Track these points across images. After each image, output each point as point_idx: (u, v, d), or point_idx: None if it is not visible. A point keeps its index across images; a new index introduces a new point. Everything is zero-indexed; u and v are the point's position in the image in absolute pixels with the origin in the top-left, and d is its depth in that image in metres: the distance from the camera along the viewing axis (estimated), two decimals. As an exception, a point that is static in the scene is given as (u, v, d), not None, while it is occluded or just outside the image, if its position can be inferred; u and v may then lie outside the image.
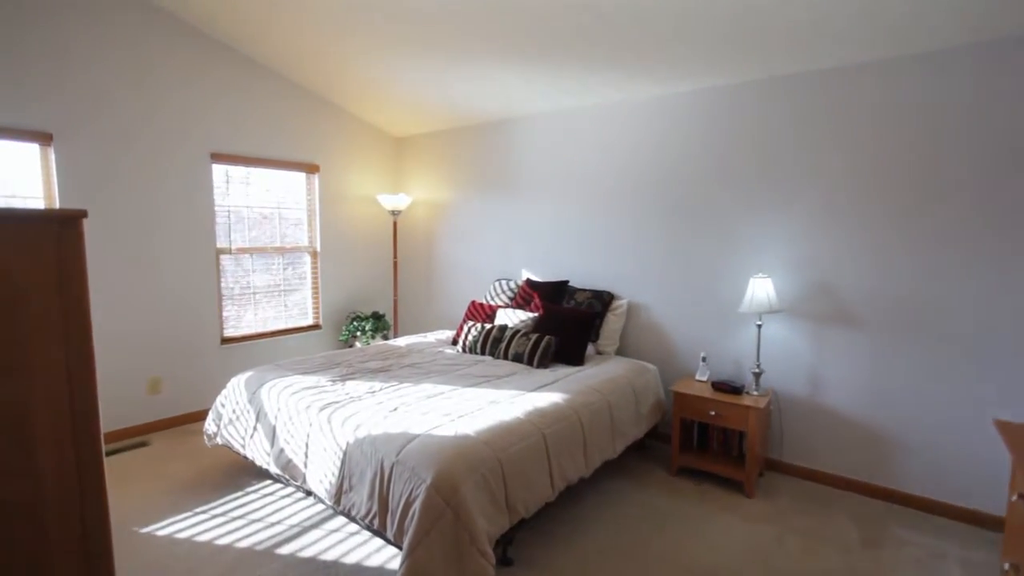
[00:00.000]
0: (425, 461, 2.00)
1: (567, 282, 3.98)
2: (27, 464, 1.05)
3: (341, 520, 2.57)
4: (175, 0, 3.41)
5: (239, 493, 2.84)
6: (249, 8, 3.31)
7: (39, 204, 3.22)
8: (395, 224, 5.08)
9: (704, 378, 3.26)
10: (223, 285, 4.11)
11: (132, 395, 3.60)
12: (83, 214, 1.06)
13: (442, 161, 4.94)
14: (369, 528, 2.43)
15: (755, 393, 3.01)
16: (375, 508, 2.08)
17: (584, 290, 3.84)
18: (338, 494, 2.26)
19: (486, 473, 2.04)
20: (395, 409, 2.48)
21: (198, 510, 2.68)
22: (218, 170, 4.00)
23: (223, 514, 2.65)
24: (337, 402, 2.57)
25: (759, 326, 3.04)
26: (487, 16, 2.91)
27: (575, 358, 3.39)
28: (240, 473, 3.03)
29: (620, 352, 3.75)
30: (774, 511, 2.75)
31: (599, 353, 3.66)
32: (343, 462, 2.26)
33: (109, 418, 3.49)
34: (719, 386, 3.08)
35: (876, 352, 2.84)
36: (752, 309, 2.97)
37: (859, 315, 2.88)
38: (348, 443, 2.26)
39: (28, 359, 1.04)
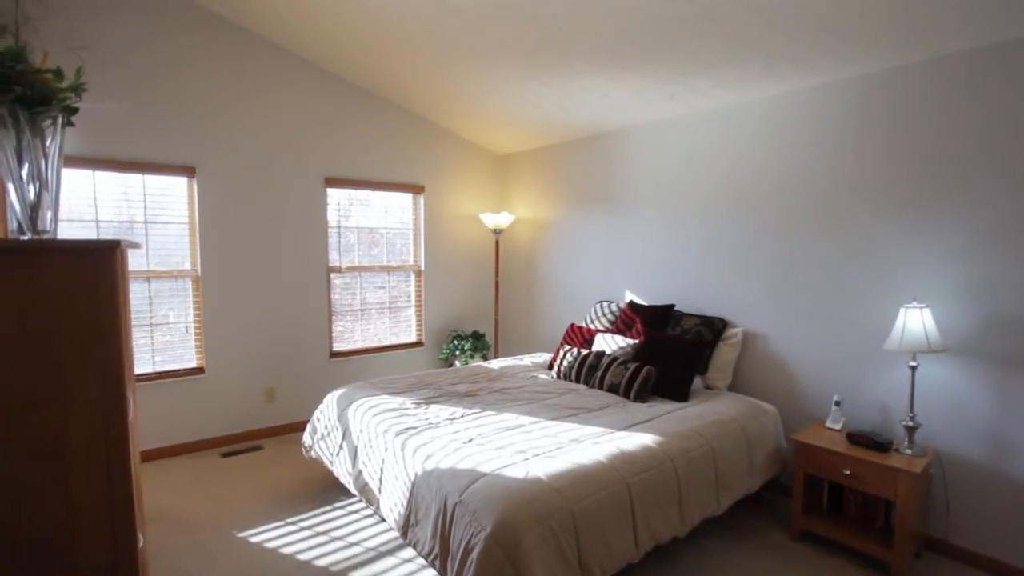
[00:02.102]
0: (487, 506, 1.83)
1: (673, 306, 3.61)
2: (61, 490, 1.07)
3: (412, 551, 2.49)
4: (296, 40, 3.70)
5: (327, 508, 2.90)
6: (357, 44, 3.48)
7: (185, 228, 3.64)
8: (497, 243, 5.05)
9: (837, 426, 2.71)
10: (333, 302, 4.35)
11: (251, 402, 3.91)
12: (116, 244, 1.07)
13: (544, 178, 4.82)
14: (433, 567, 2.31)
15: (908, 452, 2.42)
16: (437, 548, 1.96)
17: (692, 316, 3.44)
18: (406, 526, 2.18)
19: (555, 526, 1.82)
20: (470, 440, 2.35)
21: (290, 520, 2.78)
22: (331, 193, 4.26)
23: (310, 527, 2.71)
24: (414, 428, 2.50)
25: (913, 368, 2.45)
26: (583, 26, 2.74)
27: (678, 393, 3.02)
28: (331, 487, 3.10)
29: (733, 388, 3.28)
30: (934, 608, 2.15)
31: (708, 388, 3.23)
32: (411, 493, 2.17)
33: (231, 422, 3.82)
34: (858, 439, 2.53)
35: (1092, 412, 2.13)
36: (903, 346, 2.40)
37: (1064, 361, 2.19)
38: (416, 474, 2.17)
39: (65, 389, 1.06)
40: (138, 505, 2.02)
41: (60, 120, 1.44)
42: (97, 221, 3.37)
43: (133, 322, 3.50)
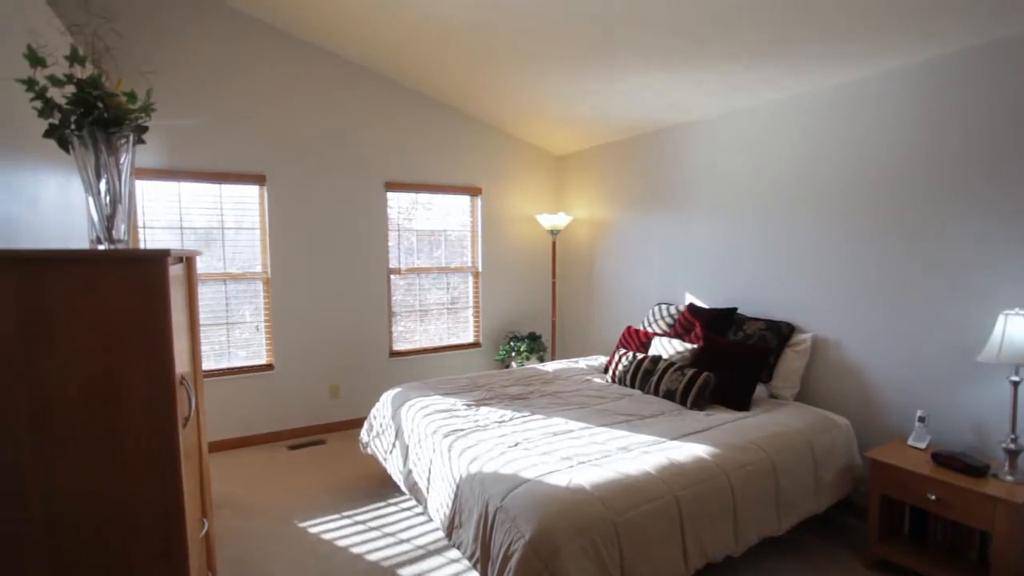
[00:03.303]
0: (528, 513, 1.81)
1: (735, 310, 3.42)
2: (119, 480, 1.16)
3: (458, 552, 2.51)
4: (358, 49, 3.85)
5: (381, 503, 3.00)
6: (417, 51, 3.57)
7: (257, 233, 3.89)
8: (554, 244, 5.01)
9: (921, 445, 2.46)
10: (394, 302, 4.48)
11: (316, 398, 4.11)
12: (166, 254, 1.14)
13: (602, 177, 4.73)
14: (475, 570, 2.32)
15: (1009, 479, 2.15)
16: (478, 552, 1.96)
17: (756, 320, 3.25)
18: (451, 527, 2.20)
19: (596, 537, 1.76)
20: (516, 445, 2.34)
21: (346, 513, 2.89)
22: (391, 197, 4.39)
23: (364, 522, 2.80)
24: (462, 430, 2.53)
25: (1015, 383, 2.18)
26: (640, 17, 2.65)
27: (738, 401, 2.86)
28: (386, 483, 3.19)
29: (801, 398, 3.06)
30: (1036, 656, 1.90)
31: (772, 397, 3.04)
32: (456, 495, 2.19)
33: (298, 417, 4.04)
34: (946, 460, 2.27)
35: None
36: (1003, 358, 2.13)
37: None
38: (461, 476, 2.19)
39: (120, 388, 1.14)
40: (206, 493, 2.17)
41: (132, 138, 1.57)
42: (182, 228, 3.67)
43: (211, 321, 3.78)
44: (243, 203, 3.84)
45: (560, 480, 1.97)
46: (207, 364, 3.77)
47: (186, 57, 3.50)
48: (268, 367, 3.93)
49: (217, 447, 3.72)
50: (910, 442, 2.50)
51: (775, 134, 3.25)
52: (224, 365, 3.83)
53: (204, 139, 3.60)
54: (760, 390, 3.07)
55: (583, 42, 3.01)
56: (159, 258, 1.14)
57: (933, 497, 2.21)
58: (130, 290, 1.13)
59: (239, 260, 3.86)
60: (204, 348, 3.76)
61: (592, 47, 3.05)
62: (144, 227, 3.53)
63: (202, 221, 3.73)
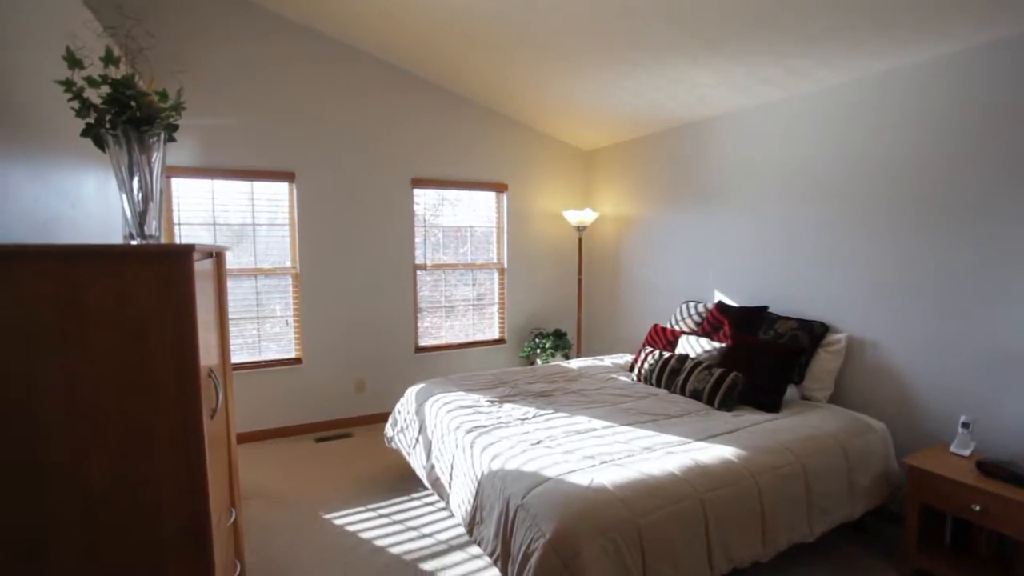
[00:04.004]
0: (548, 512, 1.79)
1: (766, 308, 3.33)
2: (151, 465, 1.19)
3: (479, 548, 2.51)
4: (383, 46, 3.88)
5: (405, 497, 3.02)
6: (444, 47, 3.58)
7: (286, 229, 3.97)
8: (580, 240, 4.96)
9: (965, 452, 2.34)
10: (420, 298, 4.51)
11: (344, 392, 4.17)
12: (191, 249, 1.16)
13: (630, 173, 4.66)
14: (496, 567, 2.32)
15: (1058, 488, 2.03)
16: (499, 549, 1.95)
17: (788, 319, 3.15)
18: (472, 523, 2.20)
19: (618, 538, 1.74)
20: (538, 442, 2.32)
21: (370, 506, 2.93)
22: (418, 193, 4.42)
23: (388, 515, 2.83)
24: (484, 427, 2.52)
25: (1067, 388, 2.05)
26: (669, 9, 2.59)
27: (768, 403, 2.78)
28: (410, 478, 3.22)
29: (834, 400, 2.96)
30: None
31: (804, 398, 2.95)
32: (477, 492, 2.19)
33: (325, 410, 4.11)
34: (992, 469, 2.16)
35: None
36: (1053, 363, 2.01)
37: None
38: (483, 473, 2.19)
39: (149, 380, 1.17)
40: (234, 482, 2.22)
41: (163, 137, 1.61)
42: (215, 224, 3.77)
43: (243, 315, 3.88)
44: (274, 200, 3.92)
45: (582, 479, 1.95)
46: (239, 357, 3.87)
47: (217, 57, 3.58)
48: (297, 361, 4.01)
49: (248, 438, 3.82)
50: (952, 449, 2.38)
51: (808, 127, 3.14)
52: (255, 358, 3.93)
53: (236, 137, 3.69)
54: (791, 391, 2.98)
55: (612, 36, 2.97)
56: (185, 253, 1.17)
57: (978, 508, 2.10)
58: (157, 284, 1.16)
59: (270, 256, 3.95)
60: (236, 341, 3.86)
61: (621, 41, 3.00)
62: (179, 224, 3.64)
63: (235, 218, 3.83)
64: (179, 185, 3.62)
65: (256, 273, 3.90)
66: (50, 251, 1.14)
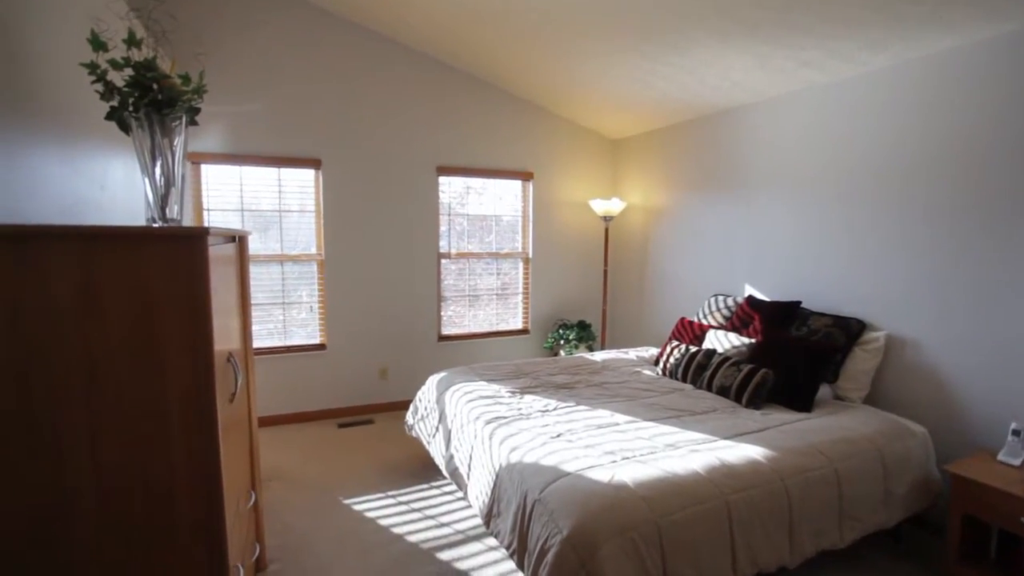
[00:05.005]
0: (566, 508, 1.75)
1: (799, 304, 3.19)
2: (166, 451, 1.19)
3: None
4: (409, 31, 3.83)
5: (424, 485, 3.02)
6: (470, 33, 3.52)
7: (312, 216, 3.99)
8: (607, 231, 4.86)
9: (1015, 461, 2.20)
10: (444, 287, 4.50)
11: (366, 379, 4.20)
12: (206, 232, 1.15)
13: (659, 162, 4.53)
14: (512, 560, 2.29)
15: (1117, 502, 1.89)
16: (515, 544, 1.92)
17: (822, 315, 3.02)
18: (489, 515, 2.17)
19: (637, 538, 1.68)
20: (558, 436, 2.28)
21: (390, 493, 2.94)
22: (443, 181, 4.39)
23: (407, 503, 2.84)
24: (504, 418, 2.49)
25: None
26: (695, -12, 2.48)
27: (799, 401, 2.67)
28: (429, 466, 3.22)
29: (870, 401, 2.82)
30: None
31: (837, 398, 2.82)
32: (495, 484, 2.16)
33: (348, 396, 4.15)
34: (1041, 479, 2.03)
35: None
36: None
37: None
38: (501, 465, 2.16)
39: (164, 364, 1.17)
40: (255, 466, 2.24)
41: (185, 120, 1.60)
42: (242, 211, 3.81)
43: (269, 300, 3.93)
44: (300, 187, 3.94)
45: (602, 476, 1.90)
46: (266, 342, 3.92)
47: (241, 41, 3.59)
48: (321, 347, 4.05)
49: (273, 421, 3.88)
50: (1001, 457, 2.24)
51: (849, 114, 2.98)
52: (281, 343, 3.98)
53: (263, 124, 3.71)
54: (824, 391, 2.86)
55: (641, 18, 2.86)
56: (199, 236, 1.15)
57: (1025, 520, 1.97)
58: (171, 268, 1.15)
59: (297, 242, 3.98)
60: (264, 327, 3.91)
61: (651, 24, 2.88)
62: (208, 209, 3.69)
63: (262, 204, 3.86)
64: (208, 171, 3.67)
65: (282, 259, 3.93)
66: (71, 232, 1.13)
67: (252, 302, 3.81)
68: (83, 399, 1.14)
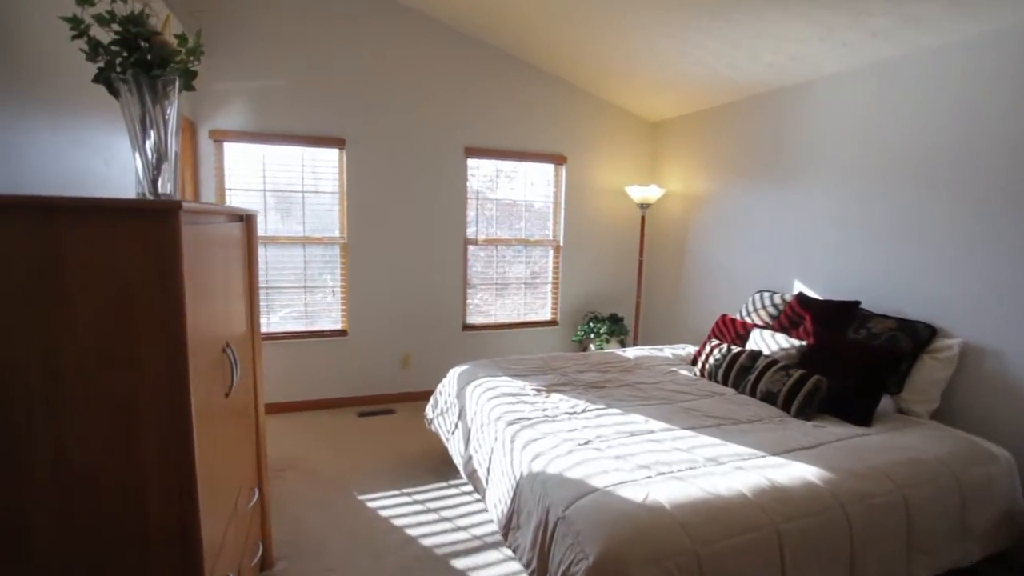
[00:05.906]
0: (593, 530, 1.55)
1: (858, 304, 2.89)
2: (134, 453, 1.04)
3: (519, 550, 2.32)
4: (439, 6, 3.62)
5: (442, 484, 2.87)
6: (502, 7, 3.29)
7: (336, 197, 3.85)
8: (643, 219, 4.58)
9: (1118, 496, 1.89)
10: (471, 274, 4.32)
11: (388, 367, 4.07)
12: (178, 205, 0.98)
13: (701, 146, 4.22)
14: None
15: None
16: (535, 563, 1.74)
17: (885, 317, 2.71)
18: (508, 527, 1.99)
19: (673, 569, 1.47)
20: (586, 443, 2.08)
21: (406, 490, 2.79)
22: (472, 164, 4.19)
23: (423, 502, 2.69)
24: (528, 419, 2.30)
25: None
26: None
27: (857, 414, 2.39)
28: (449, 463, 3.05)
29: (939, 417, 2.51)
30: None
31: (900, 412, 2.53)
32: (515, 494, 1.97)
33: (369, 384, 4.03)
34: None
35: None
36: None
37: None
38: (522, 473, 1.97)
39: (137, 354, 1.01)
40: (261, 461, 2.11)
41: (178, 84, 1.43)
42: (264, 191, 3.70)
43: (290, 284, 3.82)
44: (323, 167, 3.80)
45: (635, 494, 1.69)
46: (286, 326, 3.83)
47: (269, 18, 3.45)
48: (343, 333, 3.93)
49: (291, 408, 3.80)
50: (1100, 490, 1.93)
51: (926, 92, 2.63)
52: (302, 328, 3.88)
53: (286, 102, 3.57)
54: (885, 403, 2.56)
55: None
56: (169, 211, 0.98)
57: None
58: (140, 247, 0.98)
59: (320, 224, 3.85)
60: (286, 311, 3.82)
61: (703, -13, 2.60)
62: (230, 189, 3.59)
63: (284, 184, 3.74)
64: (229, 150, 3.56)
65: (305, 242, 3.82)
66: (28, 203, 0.98)
67: (273, 286, 3.74)
68: (46, 396, 1.00)
